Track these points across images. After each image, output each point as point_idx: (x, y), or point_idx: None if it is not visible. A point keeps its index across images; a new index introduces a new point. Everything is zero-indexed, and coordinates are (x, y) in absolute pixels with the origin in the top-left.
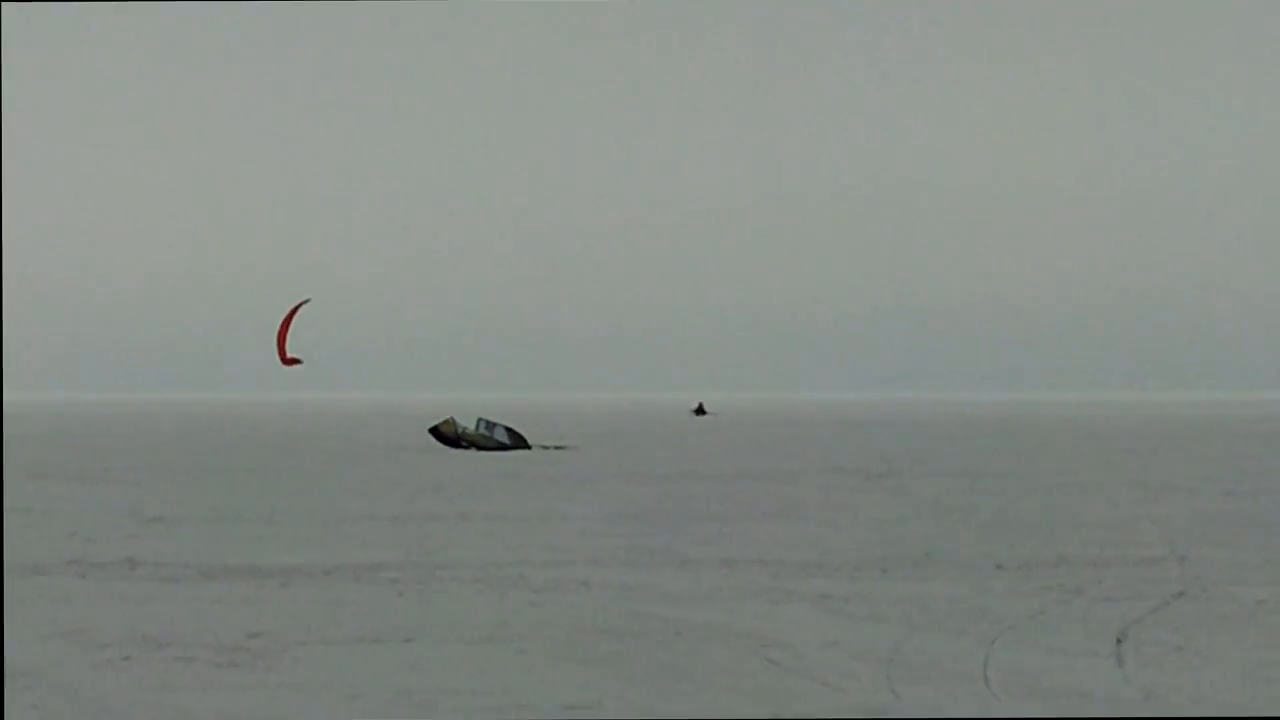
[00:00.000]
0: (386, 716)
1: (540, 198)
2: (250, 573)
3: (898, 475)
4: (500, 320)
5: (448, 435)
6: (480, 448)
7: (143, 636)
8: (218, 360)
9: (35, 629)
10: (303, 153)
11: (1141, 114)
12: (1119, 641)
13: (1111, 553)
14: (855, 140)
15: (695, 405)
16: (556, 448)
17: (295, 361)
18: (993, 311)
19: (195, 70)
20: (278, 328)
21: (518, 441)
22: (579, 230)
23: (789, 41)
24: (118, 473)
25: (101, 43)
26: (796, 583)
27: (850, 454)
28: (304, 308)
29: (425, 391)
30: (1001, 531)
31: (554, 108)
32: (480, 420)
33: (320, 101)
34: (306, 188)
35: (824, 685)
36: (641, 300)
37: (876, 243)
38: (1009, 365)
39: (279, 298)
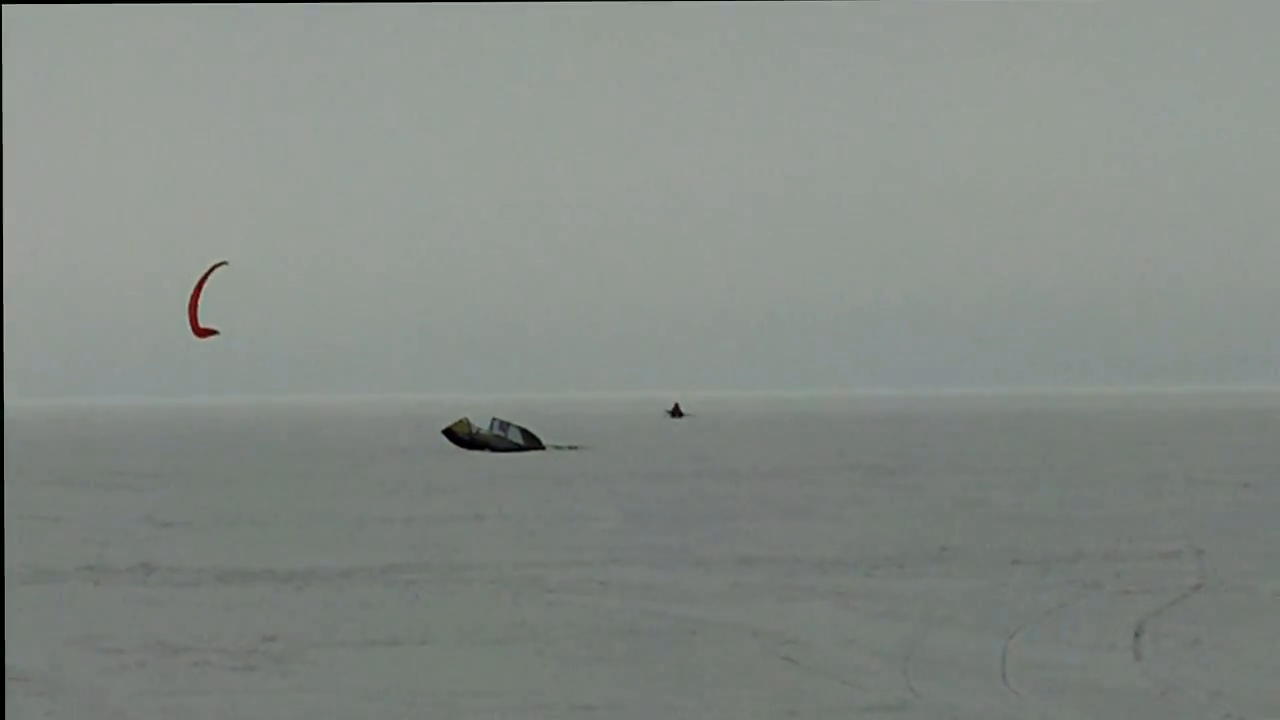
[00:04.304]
0: (403, 719)
1: (534, 199)
2: (265, 576)
3: (911, 471)
4: (485, 321)
5: (462, 436)
6: (494, 449)
7: (158, 641)
8: (217, 363)
9: (50, 635)
10: (308, 154)
11: (1147, 110)
12: (1137, 635)
13: (1129, 546)
14: (851, 137)
15: (671, 406)
16: (570, 448)
17: (210, 332)
18: (990, 306)
19: (199, 73)
20: (189, 295)
21: (532, 442)
22: (569, 230)
23: (788, 40)
24: (129, 478)
25: (103, 45)
26: (813, 580)
27: (860, 451)
28: (329, 306)
29: (426, 392)
30: (1018, 526)
31: (549, 109)
32: (494, 421)
33: (324, 103)
34: (313, 188)
35: (841, 683)
36: (611, 299)
37: (865, 240)
38: (1002, 360)
39: (284, 299)
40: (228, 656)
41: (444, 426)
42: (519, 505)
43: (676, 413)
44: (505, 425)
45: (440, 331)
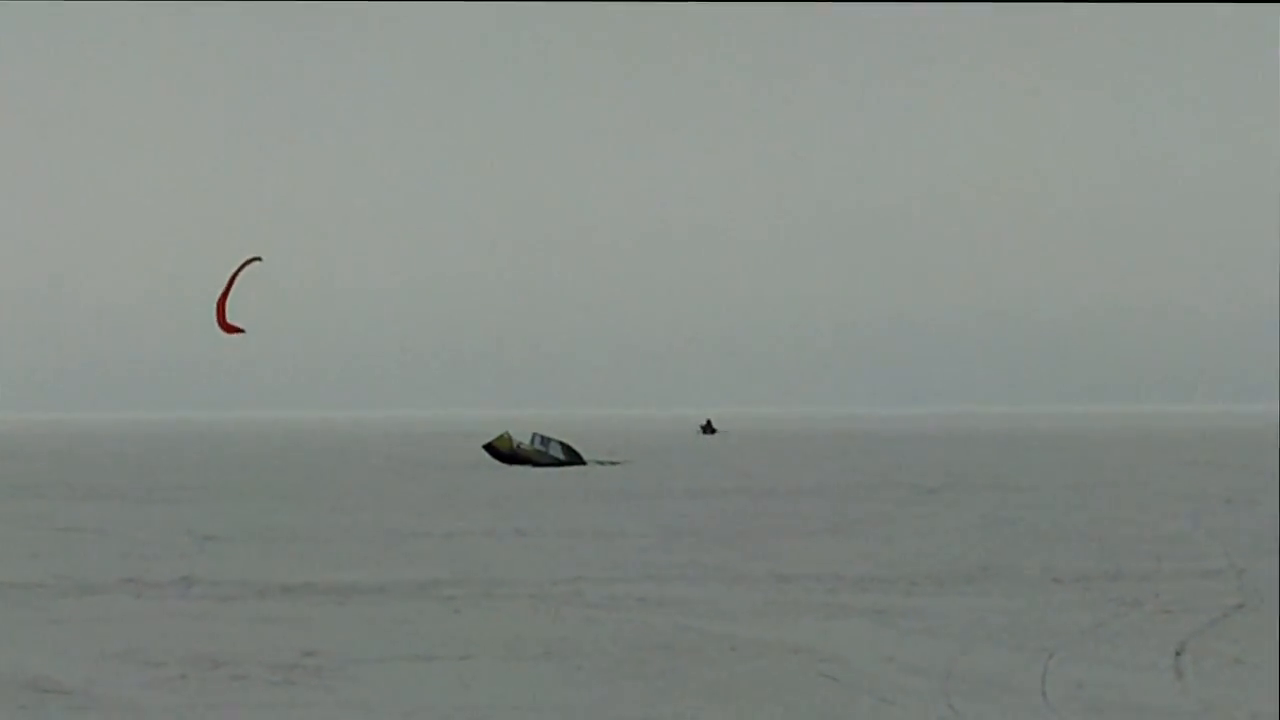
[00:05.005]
0: None
1: (571, 220)
2: (305, 591)
3: (950, 489)
4: (516, 336)
5: (503, 451)
6: (535, 463)
7: (198, 655)
8: (254, 377)
9: (91, 648)
10: (339, 164)
11: (1140, 129)
12: (1178, 654)
13: (1168, 565)
14: (864, 155)
15: (703, 422)
16: (611, 463)
17: (236, 330)
18: (1023, 324)
19: (197, 76)
20: (220, 290)
21: (573, 457)
22: (584, 246)
23: (793, 59)
24: (167, 492)
25: (95, 46)
26: (852, 597)
27: (898, 469)
28: (369, 321)
29: (465, 408)
30: (1057, 545)
31: (571, 131)
32: (536, 436)
33: (335, 110)
34: (348, 199)
35: (880, 700)
36: (639, 316)
37: (892, 258)
38: (1020, 377)
39: (324, 314)
40: (268, 670)
41: (485, 442)
42: (559, 520)
43: (708, 429)
44: (546, 440)
45: (475, 347)
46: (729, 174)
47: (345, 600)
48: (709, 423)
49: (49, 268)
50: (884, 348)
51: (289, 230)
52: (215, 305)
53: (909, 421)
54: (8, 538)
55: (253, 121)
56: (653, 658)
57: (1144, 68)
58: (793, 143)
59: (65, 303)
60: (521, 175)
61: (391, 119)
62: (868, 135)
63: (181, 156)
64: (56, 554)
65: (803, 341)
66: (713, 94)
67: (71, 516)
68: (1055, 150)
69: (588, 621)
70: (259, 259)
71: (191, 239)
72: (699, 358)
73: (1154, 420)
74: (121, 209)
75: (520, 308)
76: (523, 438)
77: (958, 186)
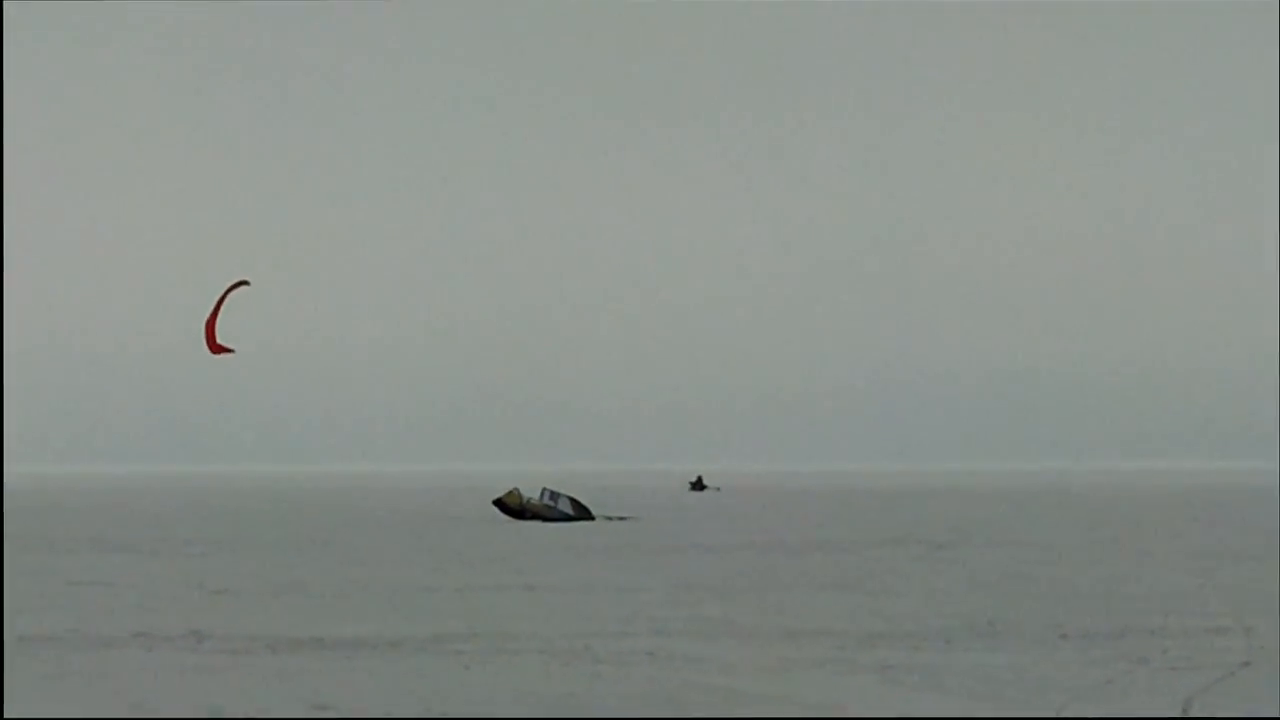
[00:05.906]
0: None
1: (547, 272)
2: (316, 645)
3: (960, 545)
4: (507, 391)
5: (512, 507)
6: (545, 519)
7: (209, 709)
8: (263, 431)
9: (103, 702)
10: (321, 215)
11: (1139, 182)
12: (1185, 711)
13: (1176, 622)
14: (859, 209)
15: (694, 479)
16: (620, 518)
17: (225, 350)
18: (1019, 380)
19: (206, 87)
20: (209, 312)
21: (582, 513)
22: (577, 302)
23: (790, 113)
24: (177, 545)
25: (105, 47)
26: (860, 654)
27: (905, 525)
28: (373, 377)
29: (474, 463)
30: (1065, 601)
31: (567, 186)
32: (545, 491)
33: (339, 162)
34: (333, 256)
35: None
36: (627, 373)
37: (877, 315)
38: (1026, 434)
39: (326, 370)
40: None
41: (495, 497)
42: (569, 575)
43: (699, 485)
44: (555, 495)
45: (484, 401)
46: (723, 229)
47: (355, 655)
48: (699, 479)
49: (59, 321)
50: (884, 403)
51: (297, 287)
52: (205, 327)
53: (911, 478)
54: (19, 591)
55: (251, 176)
56: (662, 712)
57: (1145, 115)
58: (785, 195)
59: (68, 356)
60: (524, 232)
61: (393, 174)
62: (859, 187)
63: (170, 212)
64: (68, 607)
65: (794, 397)
66: (706, 150)
67: (82, 570)
68: (1050, 203)
69: (595, 677)
70: (247, 282)
71: (195, 296)
72: (684, 413)
73: (1161, 477)
74: (118, 266)
75: (521, 362)
76: (532, 493)
77: (954, 239)
